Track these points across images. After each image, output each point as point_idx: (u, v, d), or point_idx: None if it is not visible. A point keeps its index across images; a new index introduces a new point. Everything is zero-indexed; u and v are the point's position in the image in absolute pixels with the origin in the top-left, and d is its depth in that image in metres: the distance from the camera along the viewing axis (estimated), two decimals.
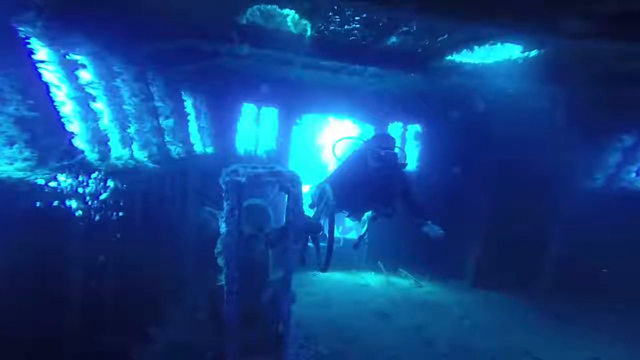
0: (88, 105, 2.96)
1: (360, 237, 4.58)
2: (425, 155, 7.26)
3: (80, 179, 2.60)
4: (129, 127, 3.68)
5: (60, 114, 2.58)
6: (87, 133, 2.93)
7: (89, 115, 2.95)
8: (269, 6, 3.70)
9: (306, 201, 3.39)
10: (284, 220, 2.69)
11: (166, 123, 4.55)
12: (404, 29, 3.93)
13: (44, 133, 2.36)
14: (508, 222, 5.98)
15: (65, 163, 2.45)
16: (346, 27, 3.99)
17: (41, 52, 2.55)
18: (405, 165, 3.90)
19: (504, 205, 6.11)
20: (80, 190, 2.61)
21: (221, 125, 6.50)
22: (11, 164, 2.22)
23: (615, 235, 5.76)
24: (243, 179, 2.42)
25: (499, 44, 4.07)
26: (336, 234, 4.58)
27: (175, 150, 4.67)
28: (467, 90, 5.60)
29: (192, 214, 5.05)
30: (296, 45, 4.25)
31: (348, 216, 4.43)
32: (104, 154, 3.06)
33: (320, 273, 3.98)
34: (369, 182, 3.80)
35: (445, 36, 4.07)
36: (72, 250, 2.57)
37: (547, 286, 6.31)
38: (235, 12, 3.80)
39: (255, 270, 2.95)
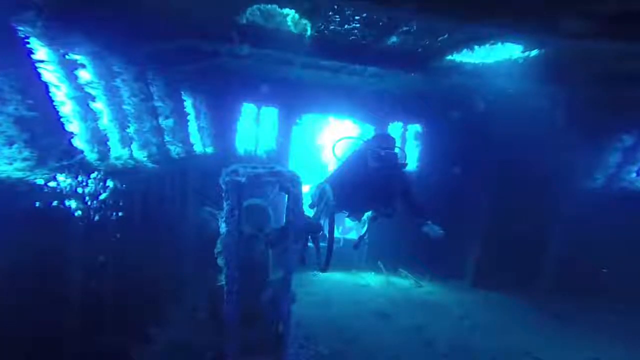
0: (87, 105, 2.96)
1: (360, 237, 4.58)
2: (425, 155, 7.25)
3: (79, 179, 2.59)
4: (129, 127, 3.68)
5: (59, 113, 2.57)
6: (86, 133, 2.92)
7: (88, 115, 2.95)
8: (269, 6, 3.69)
9: (306, 201, 3.39)
10: (284, 220, 2.69)
11: (166, 123, 4.55)
12: (404, 28, 3.92)
13: (44, 133, 2.36)
14: (508, 222, 5.98)
15: (65, 163, 2.45)
16: (346, 26, 3.98)
17: (41, 51, 2.55)
18: (405, 165, 3.90)
19: (504, 205, 6.10)
20: (79, 190, 2.61)
21: (221, 125, 6.48)
22: (10, 163, 2.22)
23: (615, 235, 5.76)
24: (243, 179, 2.41)
25: (499, 44, 4.07)
26: (336, 234, 4.58)
27: (174, 150, 4.66)
28: (467, 90, 5.60)
29: (192, 214, 5.04)
30: (296, 45, 4.25)
31: (348, 216, 4.43)
32: (104, 154, 3.06)
33: (320, 273, 3.97)
34: (369, 182, 3.80)
35: (446, 36, 4.07)
36: (72, 250, 2.56)
37: (547, 286, 6.30)
38: (235, 12, 3.79)
39: (255, 270, 2.94)
